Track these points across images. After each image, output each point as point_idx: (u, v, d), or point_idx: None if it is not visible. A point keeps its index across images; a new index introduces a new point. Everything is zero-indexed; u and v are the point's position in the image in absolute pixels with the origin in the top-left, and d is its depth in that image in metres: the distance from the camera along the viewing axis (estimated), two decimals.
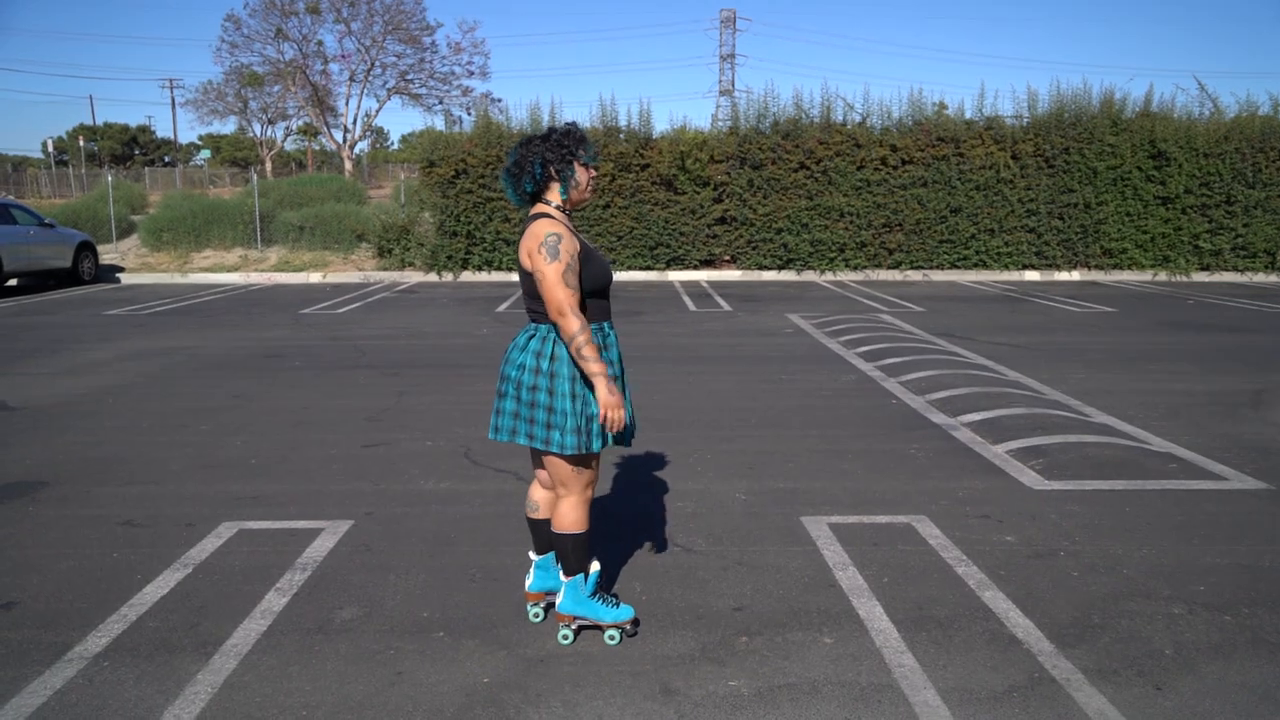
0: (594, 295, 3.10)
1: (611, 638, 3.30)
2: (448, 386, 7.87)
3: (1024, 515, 4.63)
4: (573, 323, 2.95)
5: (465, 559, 4.05)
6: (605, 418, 2.99)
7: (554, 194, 3.11)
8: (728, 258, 18.71)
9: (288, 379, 8.25)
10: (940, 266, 18.24)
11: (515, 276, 18.31)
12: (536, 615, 3.48)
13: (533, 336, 3.12)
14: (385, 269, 18.81)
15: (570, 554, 3.23)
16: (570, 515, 3.19)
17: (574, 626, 3.32)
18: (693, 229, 18.20)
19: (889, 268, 18.25)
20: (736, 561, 4.05)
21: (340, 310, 13.50)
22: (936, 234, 18.06)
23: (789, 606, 3.60)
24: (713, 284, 17.39)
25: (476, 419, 6.69)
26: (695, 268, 18.46)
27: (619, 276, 18.24)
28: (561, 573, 3.31)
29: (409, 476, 5.31)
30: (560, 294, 2.94)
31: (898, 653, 3.22)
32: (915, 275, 18.16)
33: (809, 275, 18.32)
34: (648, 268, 18.43)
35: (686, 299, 14.85)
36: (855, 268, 18.23)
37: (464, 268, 18.42)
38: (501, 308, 13.91)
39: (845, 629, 3.40)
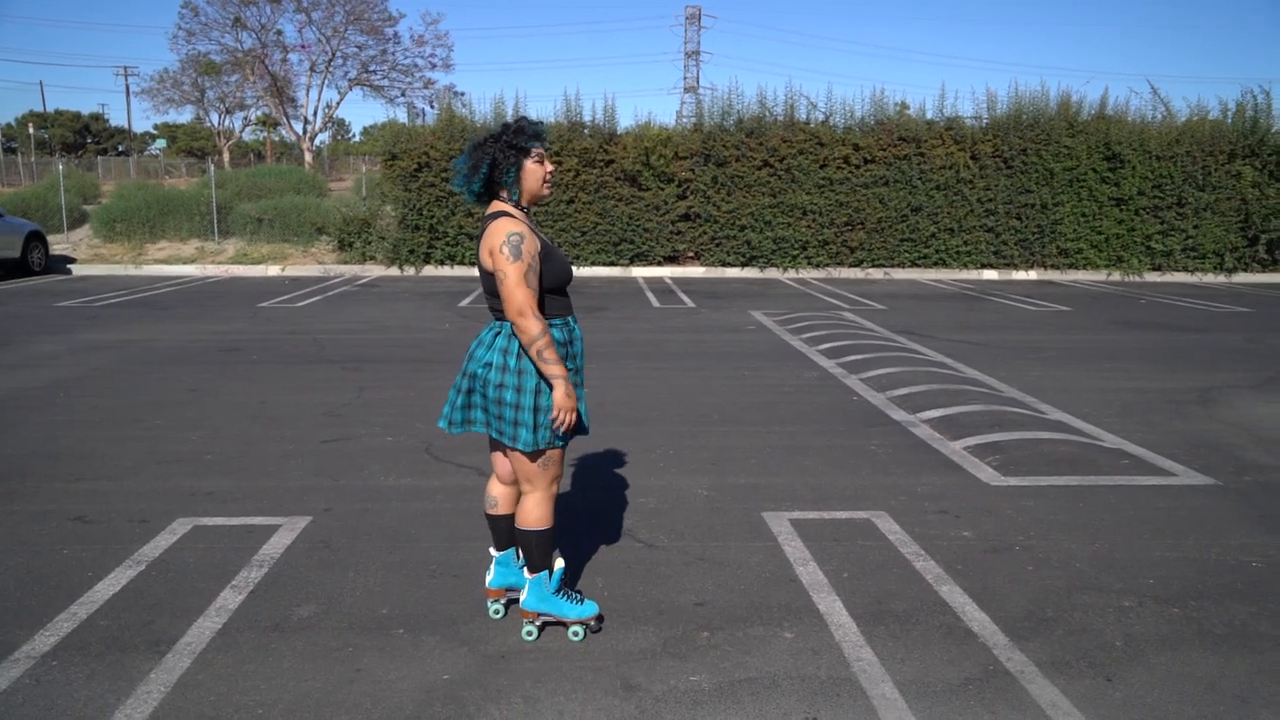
0: (554, 292, 3.11)
1: (576, 634, 3.30)
2: (409, 381, 7.80)
3: (981, 511, 4.70)
4: (534, 324, 2.95)
5: (426, 555, 4.02)
6: (558, 420, 3.01)
7: (506, 193, 3.09)
8: (691, 254, 18.74)
9: (245, 373, 8.13)
10: (901, 265, 18.42)
11: (478, 272, 18.15)
12: (497, 612, 3.47)
13: (498, 334, 3.11)
14: (346, 263, 18.60)
15: (534, 550, 3.22)
16: (535, 511, 3.18)
17: (538, 623, 3.32)
18: (657, 225, 18.20)
19: (851, 265, 18.39)
20: (698, 557, 4.06)
21: (299, 304, 13.33)
22: (898, 232, 18.23)
23: (750, 601, 3.61)
24: (676, 280, 17.41)
25: (438, 414, 6.63)
26: (659, 264, 18.48)
27: (582, 273, 18.22)
28: (525, 569, 3.30)
29: (369, 472, 5.26)
30: (520, 295, 2.94)
31: (857, 647, 3.25)
32: (877, 273, 18.33)
33: (772, 272, 18.41)
34: (611, 264, 18.40)
35: (650, 295, 14.85)
36: (818, 265, 18.35)
37: (426, 262, 18.26)
38: (464, 303, 13.80)
39: (805, 623, 3.43)
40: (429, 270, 18.26)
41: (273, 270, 18.20)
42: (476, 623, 3.42)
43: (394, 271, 18.19)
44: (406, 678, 3.03)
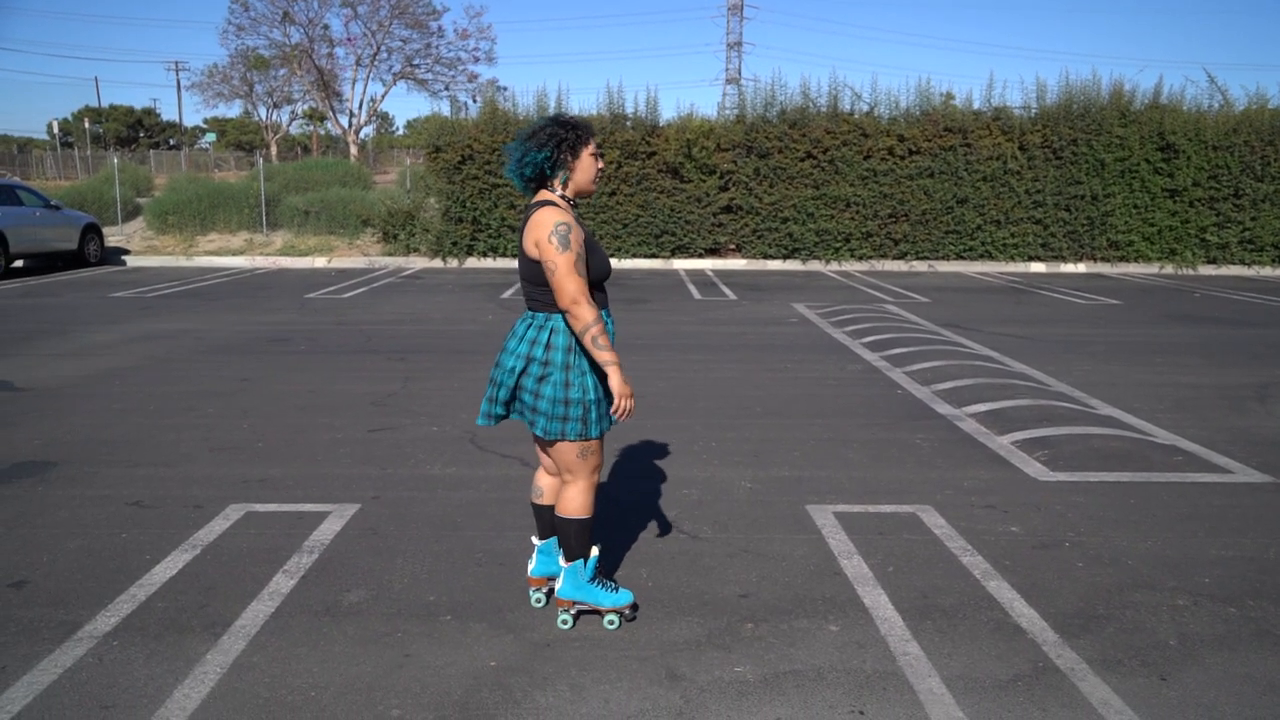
0: (592, 286, 3.10)
1: (610, 622, 3.32)
2: (453, 372, 7.88)
3: (1029, 506, 4.65)
4: (587, 312, 2.97)
5: (471, 543, 4.07)
6: (620, 407, 3.01)
7: (557, 182, 3.10)
8: (733, 246, 18.67)
9: (293, 363, 8.27)
10: (946, 257, 18.20)
11: (518, 262, 18.22)
12: (539, 600, 3.50)
13: (530, 324, 3.13)
14: (390, 254, 18.80)
15: (572, 538, 3.25)
16: (575, 500, 3.21)
17: (573, 611, 3.34)
18: (698, 217, 18.16)
19: (895, 258, 18.22)
20: (742, 549, 4.07)
21: (345, 295, 13.52)
22: (943, 224, 18.01)
23: (794, 594, 3.62)
24: (718, 273, 17.38)
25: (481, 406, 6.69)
26: (700, 256, 18.45)
27: (623, 265, 18.24)
28: (561, 557, 3.33)
29: (415, 461, 5.33)
30: (572, 284, 2.96)
31: (903, 641, 3.23)
32: (921, 266, 18.13)
33: (814, 265, 18.29)
34: (653, 255, 18.41)
35: (691, 287, 14.84)
36: (861, 258, 18.20)
37: (469, 254, 18.40)
38: (506, 294, 13.89)
39: (850, 617, 3.42)
40: (472, 262, 18.40)
41: (319, 262, 18.46)
42: (521, 610, 3.46)
43: (437, 263, 18.35)
44: (454, 664, 3.07)
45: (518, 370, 3.12)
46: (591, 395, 3.11)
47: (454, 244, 18.29)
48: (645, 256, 18.39)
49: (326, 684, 2.95)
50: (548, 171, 3.09)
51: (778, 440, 5.79)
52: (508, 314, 11.71)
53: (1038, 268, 18.11)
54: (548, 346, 3.08)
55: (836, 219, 18.03)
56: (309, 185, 22.66)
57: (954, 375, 7.57)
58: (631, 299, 13.10)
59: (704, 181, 18.05)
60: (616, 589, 3.35)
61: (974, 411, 6.47)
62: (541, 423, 3.11)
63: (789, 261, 18.34)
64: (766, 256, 18.36)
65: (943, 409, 6.62)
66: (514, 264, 18.20)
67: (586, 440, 3.14)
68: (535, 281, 3.09)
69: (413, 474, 5.09)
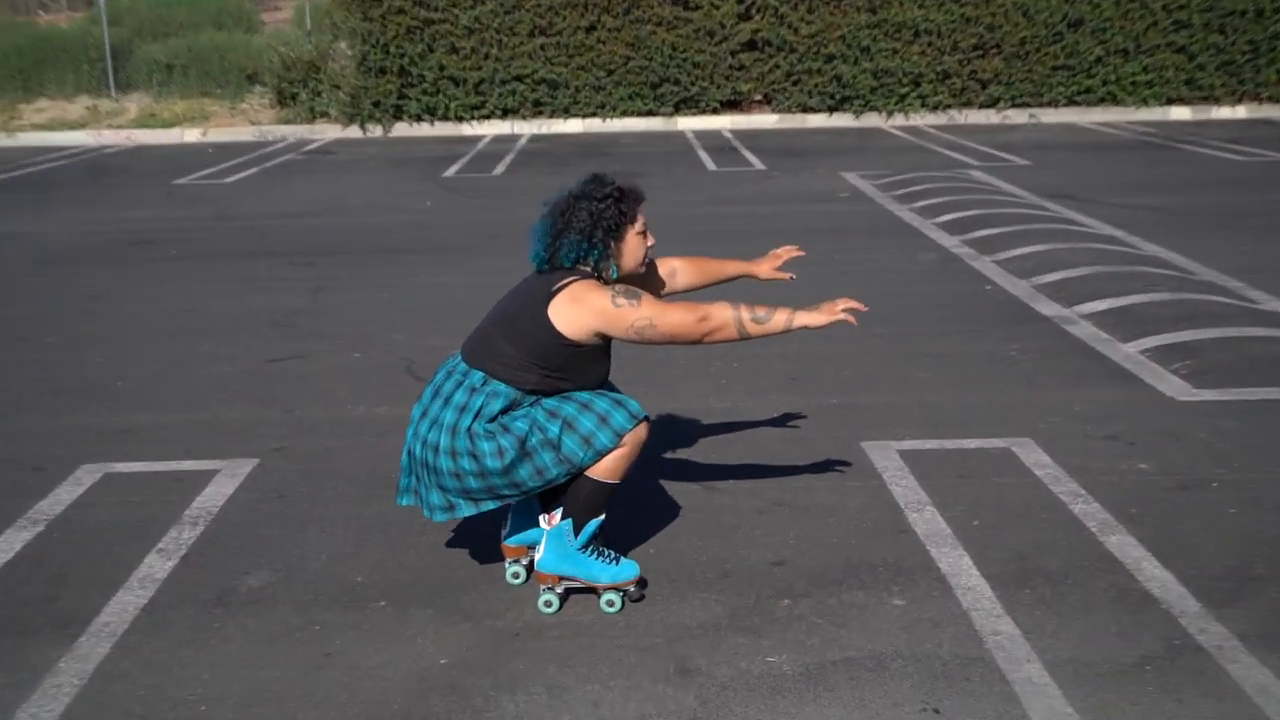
0: (580, 387, 3.34)
1: (611, 603, 3.36)
2: (381, 279, 7.84)
3: (1164, 435, 4.67)
4: (717, 316, 3.31)
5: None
6: (837, 308, 3.40)
7: (598, 270, 3.34)
8: (759, 97, 18.46)
9: (161, 273, 8.23)
10: (1054, 103, 18.02)
11: (469, 130, 18.12)
12: (516, 575, 3.55)
13: (473, 390, 3.27)
14: (288, 122, 18.62)
15: (583, 499, 3.33)
16: (610, 463, 3.30)
17: (559, 589, 3.39)
18: (711, 58, 17.91)
19: (982, 106, 18.05)
20: (775, 502, 4.10)
21: (229, 179, 13.39)
22: (1049, 58, 17.77)
23: (846, 559, 3.65)
24: (739, 134, 17.18)
25: (422, 321, 6.69)
26: (714, 112, 18.27)
27: (610, 127, 18.05)
28: (549, 516, 3.37)
29: (332, 400, 5.34)
30: (679, 319, 3.29)
31: (992, 617, 3.28)
32: (1018, 116, 17.97)
33: (871, 119, 18.12)
34: (649, 113, 18.21)
35: (703, 155, 14.67)
36: (935, 107, 18.02)
37: (397, 117, 18.21)
38: (451, 170, 13.77)
39: (921, 587, 3.46)
40: (401, 129, 18.20)
41: (191, 135, 18.28)
42: (482, 591, 3.50)
43: (354, 132, 18.17)
44: (391, 663, 3.12)
45: (457, 455, 3.25)
46: (575, 402, 3.31)
47: (375, 105, 18.07)
48: (638, 114, 18.19)
49: (221, 695, 3.00)
50: (592, 264, 3.33)
51: (823, 357, 5.78)
52: (453, 198, 11.61)
53: (1180, 113, 17.93)
54: (521, 406, 3.30)
55: (901, 55, 17.78)
56: (171, 29, 22.25)
57: (1063, 263, 7.54)
58: (623, 173, 12.93)
59: (717, 8, 17.74)
60: (617, 560, 3.40)
61: (1090, 311, 6.47)
62: (558, 469, 3.27)
63: (836, 115, 18.15)
64: (806, 109, 18.16)
65: (1047, 308, 6.60)
66: (460, 130, 18.03)
67: (624, 433, 3.27)
68: (515, 341, 3.27)
69: (329, 416, 5.10)
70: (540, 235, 3.37)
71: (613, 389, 3.47)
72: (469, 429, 3.23)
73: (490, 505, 3.36)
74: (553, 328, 3.26)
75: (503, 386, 3.28)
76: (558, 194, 3.42)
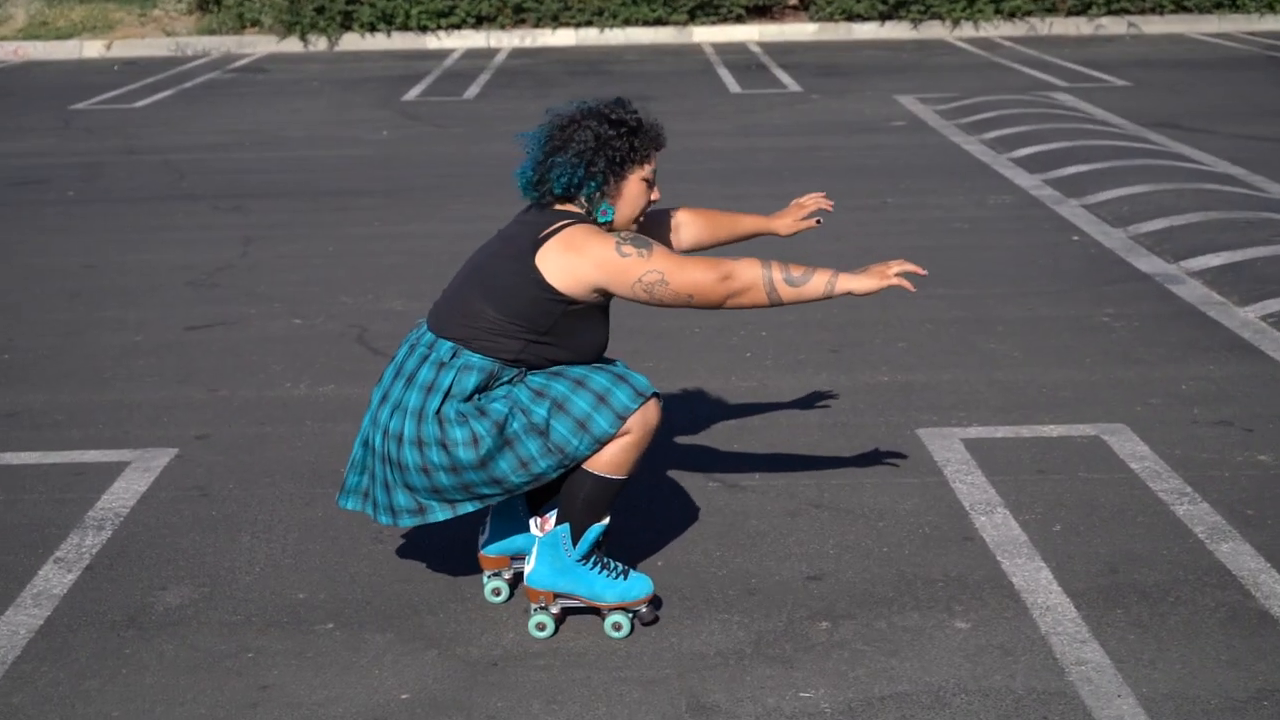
0: (572, 358, 3.34)
1: (617, 626, 3.35)
2: (326, 228, 7.81)
3: None
4: (745, 275, 3.27)
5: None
6: (900, 272, 3.40)
7: (588, 208, 3.34)
8: (794, 1, 18.38)
9: (55, 220, 8.19)
10: (1158, 10, 17.99)
11: (434, 42, 18.04)
12: (497, 592, 3.55)
13: (441, 365, 3.26)
14: (212, 32, 18.55)
15: (582, 498, 3.31)
16: (611, 453, 3.27)
17: (554, 609, 3.38)
18: None
19: (1071, 14, 18.04)
20: (811, 503, 4.10)
21: (139, 103, 13.32)
22: None
23: (898, 573, 3.65)
24: (768, 47, 17.09)
25: (377, 280, 6.67)
26: (738, 20, 18.24)
27: (612, 38, 17.97)
28: (542, 521, 3.36)
29: (267, 376, 5.33)
30: (700, 275, 3.26)
31: (1076, 643, 3.28)
32: (1114, 25, 17.92)
33: (932, 29, 18.06)
34: (659, 22, 18.15)
35: (725, 73, 14.60)
36: (1012, 14, 17.97)
37: (346, 27, 18.14)
38: (412, 93, 13.69)
39: (990, 606, 3.46)
40: (351, 41, 18.15)
41: (92, 49, 18.20)
42: (451, 611, 3.50)
43: (292, 45, 18.10)
44: (341, 698, 3.12)
45: (501, 420, 3.23)
46: (572, 373, 3.31)
47: (319, 11, 18.00)
48: (645, 24, 18.13)
49: None
50: (583, 196, 3.33)
51: (871, 325, 5.77)
52: (414, 128, 11.56)
53: None
54: (508, 383, 3.27)
55: None
56: None
57: (1168, 209, 7.51)
58: (629, 95, 12.89)
59: None
60: (625, 573, 3.39)
61: (1200, 267, 6.45)
62: (575, 443, 3.24)
63: (889, 24, 18.11)
64: (851, 17, 18.10)
65: (1148, 264, 6.58)
66: (424, 43, 17.95)
67: (636, 404, 3.26)
68: (496, 299, 3.26)
69: (263, 396, 5.09)
70: (532, 148, 3.36)
71: (612, 363, 3.46)
72: (438, 413, 3.23)
73: (469, 507, 3.34)
74: (542, 279, 3.23)
75: (477, 358, 3.26)
76: (566, 105, 3.39)
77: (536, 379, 3.29)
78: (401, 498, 3.33)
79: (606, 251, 3.21)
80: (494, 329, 3.26)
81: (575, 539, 3.32)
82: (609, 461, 3.28)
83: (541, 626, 3.36)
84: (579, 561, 3.35)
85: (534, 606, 3.38)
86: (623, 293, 3.26)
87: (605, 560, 3.38)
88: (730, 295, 3.28)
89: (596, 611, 3.40)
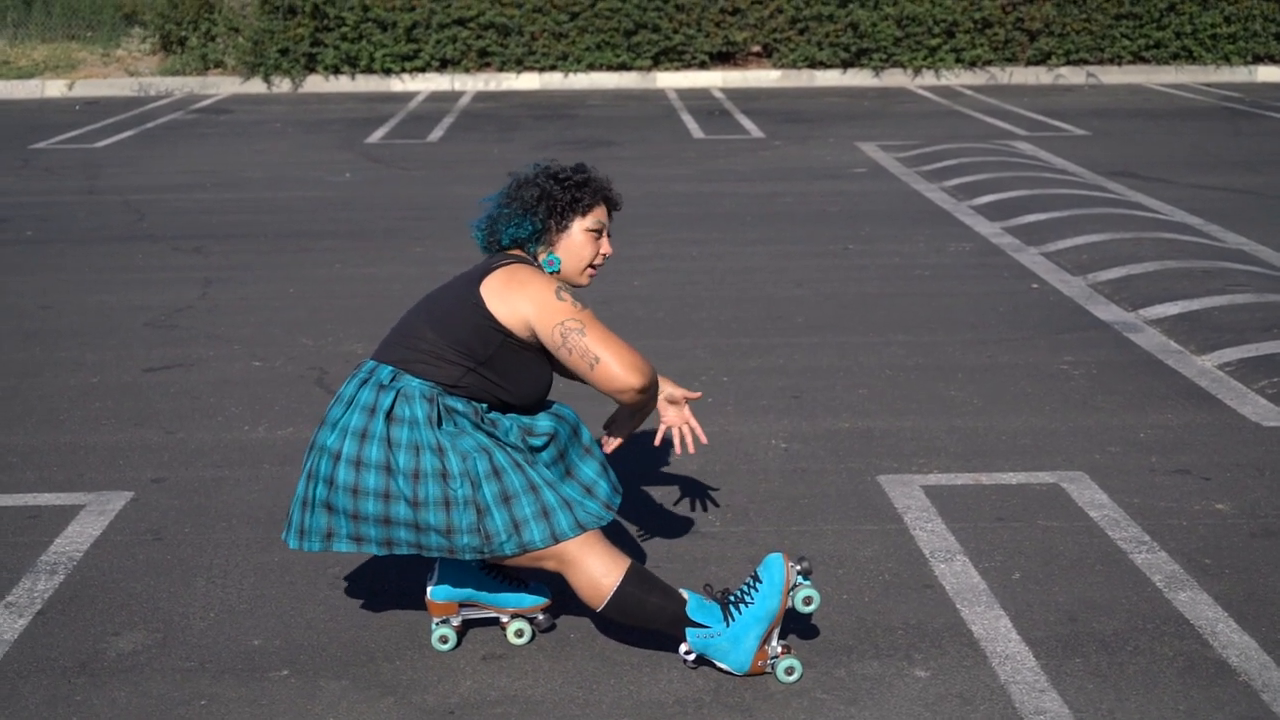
0: (513, 398, 3.42)
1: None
2: (287, 270, 7.81)
3: (1246, 468, 4.70)
4: (655, 384, 3.44)
5: (322, 553, 4.09)
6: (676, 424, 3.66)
7: (540, 256, 3.46)
8: (757, 48, 18.52)
9: (13, 260, 8.17)
10: (1116, 60, 18.18)
11: (398, 85, 18.10)
12: (444, 639, 3.56)
13: (395, 392, 3.28)
14: (175, 73, 18.55)
15: (638, 614, 3.33)
16: (592, 577, 3.31)
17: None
18: (699, 0, 17.96)
19: (1030, 63, 18.21)
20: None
21: (100, 143, 13.30)
22: (1111, 4, 17.93)
23: (857, 620, 3.66)
24: (732, 93, 17.20)
25: (337, 322, 6.66)
26: (702, 66, 18.34)
27: (575, 83, 18.07)
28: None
29: (224, 418, 5.32)
30: (618, 344, 3.30)
31: (1035, 692, 3.29)
32: (1074, 75, 18.12)
33: (894, 77, 18.22)
34: (623, 67, 18.25)
35: (688, 119, 14.67)
36: (972, 63, 18.14)
37: (310, 69, 18.18)
38: (376, 135, 13.71)
39: (950, 655, 3.47)
40: (315, 83, 18.19)
41: (54, 88, 18.19)
42: (408, 658, 3.49)
43: (255, 87, 18.13)
44: None
45: (413, 471, 3.25)
46: (542, 460, 3.41)
47: (283, 53, 18.03)
48: (610, 68, 18.23)
49: None
50: (528, 246, 3.47)
51: (832, 371, 5.80)
52: (377, 170, 11.58)
53: (1269, 74, 18.12)
54: (427, 423, 3.26)
55: None
56: None
57: (1126, 257, 7.57)
58: (590, 140, 12.96)
59: None
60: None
61: (1158, 316, 6.50)
62: (465, 541, 3.26)
63: (851, 72, 18.26)
64: (814, 64, 18.25)
65: (1107, 313, 6.64)
66: (388, 85, 18.02)
67: (583, 530, 3.31)
68: (449, 327, 3.33)
69: (220, 440, 5.08)
70: (492, 205, 3.52)
71: (562, 418, 3.51)
72: (384, 436, 3.25)
73: (374, 550, 3.36)
74: (482, 304, 3.31)
75: (415, 381, 3.30)
76: (529, 168, 3.52)
77: (501, 457, 3.30)
78: (318, 519, 3.34)
79: (544, 291, 3.31)
80: (433, 352, 3.33)
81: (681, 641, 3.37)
82: (598, 584, 3.33)
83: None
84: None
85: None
86: (544, 334, 3.31)
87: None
88: (632, 387, 3.30)
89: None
